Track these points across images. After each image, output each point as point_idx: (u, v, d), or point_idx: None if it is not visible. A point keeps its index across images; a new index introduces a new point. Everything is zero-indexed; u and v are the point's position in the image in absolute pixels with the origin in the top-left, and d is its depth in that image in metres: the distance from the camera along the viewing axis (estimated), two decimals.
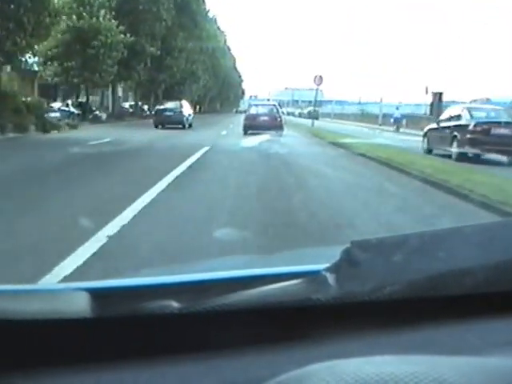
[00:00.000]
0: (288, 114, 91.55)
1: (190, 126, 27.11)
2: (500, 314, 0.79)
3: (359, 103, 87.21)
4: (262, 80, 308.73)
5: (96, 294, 0.70)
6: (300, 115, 79.26)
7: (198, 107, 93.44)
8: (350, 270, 0.74)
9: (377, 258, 0.76)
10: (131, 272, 1.28)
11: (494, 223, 0.85)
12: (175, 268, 1.41)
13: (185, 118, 26.64)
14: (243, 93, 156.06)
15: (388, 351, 0.63)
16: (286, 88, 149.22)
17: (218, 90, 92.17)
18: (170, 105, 27.28)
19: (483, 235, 0.82)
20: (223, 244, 4.48)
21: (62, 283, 0.76)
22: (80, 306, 0.68)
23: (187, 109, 28.24)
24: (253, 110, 24.63)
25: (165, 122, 25.88)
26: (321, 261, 0.78)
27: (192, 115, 28.96)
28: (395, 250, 0.77)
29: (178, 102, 27.87)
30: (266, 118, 23.82)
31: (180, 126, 25.64)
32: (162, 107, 27.49)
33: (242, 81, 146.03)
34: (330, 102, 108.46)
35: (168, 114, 26.23)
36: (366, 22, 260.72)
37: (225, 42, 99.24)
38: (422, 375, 0.53)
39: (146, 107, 50.40)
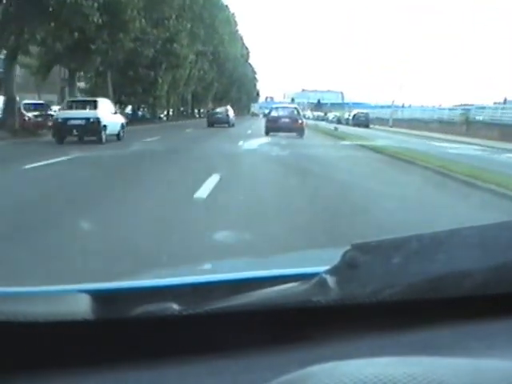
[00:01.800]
0: (316, 118, 67.26)
1: (233, 125, 36.03)
2: (499, 315, 0.79)
3: (402, 106, 65.10)
4: (276, 81, 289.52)
5: (97, 296, 0.70)
6: (339, 121, 55.14)
7: (192, 109, 63.91)
8: (350, 272, 0.74)
9: (376, 260, 0.76)
10: (132, 274, 1.20)
11: (493, 225, 0.84)
12: (176, 270, 1.34)
13: (230, 119, 36.44)
14: (258, 94, 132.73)
15: (387, 353, 0.64)
16: (304, 90, 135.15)
17: (225, 88, 70.30)
18: (219, 109, 39.66)
19: (482, 237, 0.81)
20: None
21: (64, 285, 0.76)
22: (81, 308, 0.69)
23: (231, 113, 38.12)
24: (274, 113, 25.14)
25: (215, 122, 35.25)
26: (321, 263, 0.78)
27: (234, 116, 38.73)
28: (395, 252, 0.77)
29: (224, 108, 39.44)
30: (287, 120, 24.00)
31: (226, 125, 34.89)
32: (213, 111, 40.25)
33: (256, 80, 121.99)
34: (347, 104, 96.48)
35: (218, 116, 36.70)
36: (385, 25, 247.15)
37: (236, 29, 75.86)
38: (421, 377, 0.53)
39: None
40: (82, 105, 18.59)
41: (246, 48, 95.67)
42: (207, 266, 1.35)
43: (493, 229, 0.83)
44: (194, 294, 0.74)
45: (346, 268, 0.73)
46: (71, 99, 20.50)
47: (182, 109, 57.06)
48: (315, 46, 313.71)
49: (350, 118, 50.89)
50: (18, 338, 0.67)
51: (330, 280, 0.72)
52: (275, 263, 1.26)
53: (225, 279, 0.80)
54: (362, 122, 47.17)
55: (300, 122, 24.01)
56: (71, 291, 0.72)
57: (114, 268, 3.45)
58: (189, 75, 43.10)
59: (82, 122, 16.68)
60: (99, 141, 16.67)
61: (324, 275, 0.73)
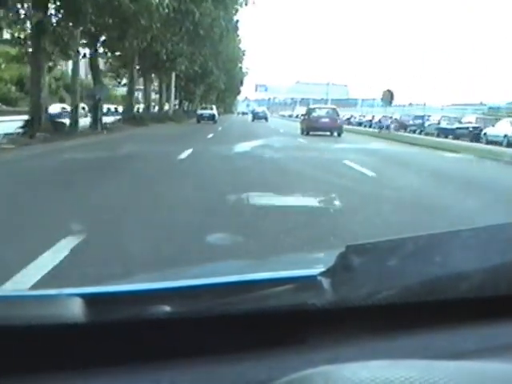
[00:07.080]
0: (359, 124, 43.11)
1: (266, 119, 54.68)
2: (496, 318, 0.79)
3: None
4: (267, 71, 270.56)
5: (89, 300, 0.69)
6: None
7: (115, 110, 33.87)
8: (346, 275, 0.74)
9: (372, 262, 0.75)
10: (125, 277, 1.25)
11: (491, 226, 0.83)
12: (169, 273, 1.34)
13: (268, 116, 56.96)
14: (241, 82, 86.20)
15: (383, 356, 0.63)
16: (298, 82, 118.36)
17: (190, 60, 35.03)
18: (259, 109, 64.19)
19: (479, 238, 0.81)
20: None
21: (56, 289, 0.74)
22: (73, 311, 0.68)
23: (268, 112, 60.22)
24: (314, 114, 26.87)
25: (255, 118, 55.53)
26: (316, 265, 0.77)
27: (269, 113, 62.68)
28: (390, 254, 0.77)
29: (264, 109, 63.70)
30: (327, 120, 25.87)
31: (264, 120, 52.79)
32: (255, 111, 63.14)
33: (243, 54, 71.81)
34: (355, 100, 79.58)
35: (260, 115, 56.34)
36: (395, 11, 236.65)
37: None
38: (418, 380, 0.53)
39: None
40: (206, 108, 45.13)
41: None
42: (201, 269, 1.33)
43: (489, 230, 0.83)
44: (187, 298, 0.73)
45: (341, 270, 0.73)
46: (202, 107, 47.86)
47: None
48: (312, 31, 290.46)
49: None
50: (9, 342, 0.67)
51: (325, 282, 0.72)
52: (269, 265, 1.25)
53: (218, 282, 0.79)
54: None
55: (338, 122, 26.39)
56: (63, 295, 0.71)
57: None
58: None
59: (208, 115, 41.75)
60: (214, 122, 39.55)
61: (319, 278, 0.72)
